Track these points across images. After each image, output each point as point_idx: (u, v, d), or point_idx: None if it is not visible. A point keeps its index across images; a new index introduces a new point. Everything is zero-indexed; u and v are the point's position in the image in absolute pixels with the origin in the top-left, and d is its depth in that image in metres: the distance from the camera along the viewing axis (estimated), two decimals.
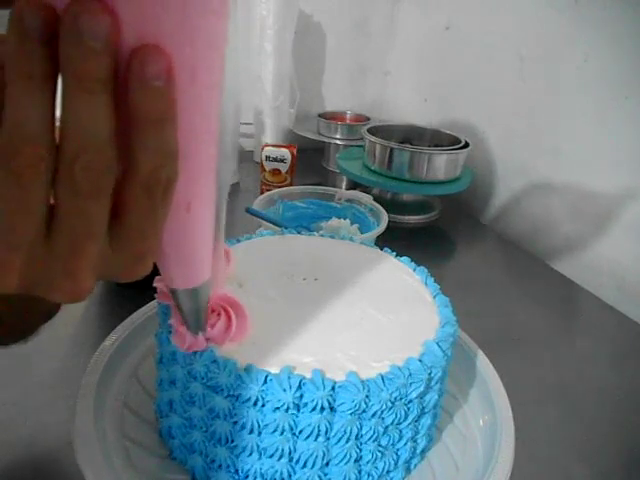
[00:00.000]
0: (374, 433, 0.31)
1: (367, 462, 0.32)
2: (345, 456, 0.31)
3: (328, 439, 0.30)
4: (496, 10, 0.94)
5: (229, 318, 0.30)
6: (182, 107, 0.17)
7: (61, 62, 0.15)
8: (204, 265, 0.22)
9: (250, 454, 0.31)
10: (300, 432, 0.30)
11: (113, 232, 0.18)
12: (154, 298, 0.37)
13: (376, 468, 0.33)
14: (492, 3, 0.95)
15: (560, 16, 0.80)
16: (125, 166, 0.17)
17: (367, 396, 0.29)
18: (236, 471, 0.32)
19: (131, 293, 0.60)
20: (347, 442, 0.30)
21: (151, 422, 0.38)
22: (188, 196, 0.19)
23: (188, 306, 0.24)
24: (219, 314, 0.30)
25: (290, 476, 0.31)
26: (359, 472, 0.32)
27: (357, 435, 0.30)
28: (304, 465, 0.31)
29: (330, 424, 0.30)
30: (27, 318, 0.34)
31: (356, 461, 0.32)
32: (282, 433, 0.30)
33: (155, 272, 0.25)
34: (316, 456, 0.30)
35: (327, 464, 0.31)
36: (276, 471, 0.31)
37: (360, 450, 0.31)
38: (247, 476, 0.32)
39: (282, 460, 0.31)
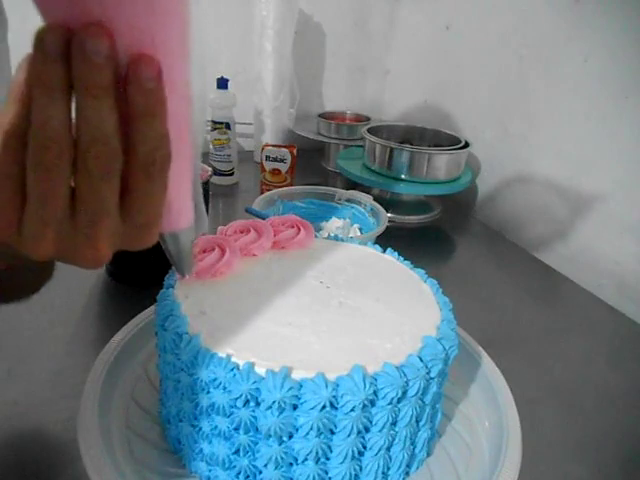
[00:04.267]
0: (383, 427, 0.31)
1: (367, 462, 0.32)
2: (346, 454, 0.31)
3: (328, 437, 0.30)
4: (496, 10, 0.94)
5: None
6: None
7: (73, 75, 0.19)
8: (183, 212, 0.26)
9: (237, 451, 0.31)
10: (297, 430, 0.30)
11: (123, 208, 0.23)
12: (153, 297, 0.37)
13: (377, 467, 0.33)
14: (492, 3, 0.95)
15: (560, 16, 0.80)
16: (127, 153, 0.21)
17: (375, 392, 0.29)
18: (230, 467, 0.32)
19: (130, 294, 0.60)
20: (348, 437, 0.30)
21: (155, 415, 0.38)
22: None
23: (173, 248, 0.28)
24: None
25: (289, 475, 0.31)
26: (360, 469, 0.32)
27: (359, 432, 0.31)
28: (303, 462, 0.31)
29: (332, 422, 0.30)
30: (22, 277, 0.37)
31: (356, 459, 0.32)
32: (279, 433, 0.30)
33: (153, 274, 0.27)
34: (315, 453, 0.30)
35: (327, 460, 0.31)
36: (273, 468, 0.31)
37: (364, 447, 0.31)
38: (239, 472, 0.32)
39: (280, 459, 0.31)
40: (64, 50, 0.19)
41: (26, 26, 0.22)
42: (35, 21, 0.19)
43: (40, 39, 0.18)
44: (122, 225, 0.23)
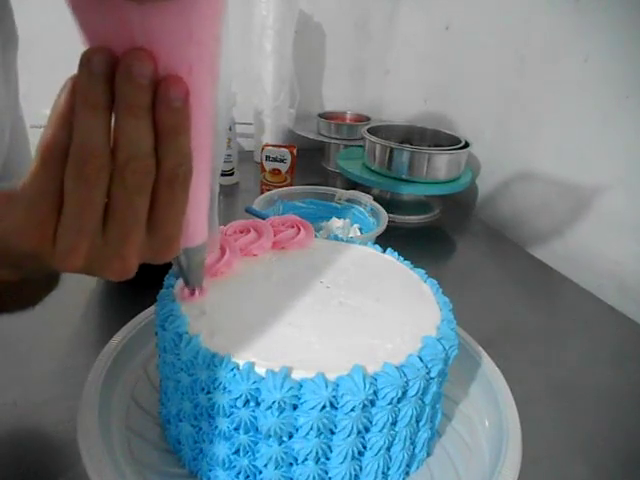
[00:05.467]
0: (383, 427, 0.31)
1: (367, 462, 0.32)
2: (346, 454, 0.31)
3: (328, 437, 0.30)
4: (496, 10, 0.94)
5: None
6: None
7: (116, 95, 0.20)
8: (198, 229, 0.27)
9: (237, 451, 0.31)
10: (297, 430, 0.30)
11: (148, 221, 0.24)
12: (153, 297, 0.37)
13: (377, 467, 0.33)
14: (492, 3, 0.95)
15: (560, 16, 0.80)
16: None
17: (375, 392, 0.29)
18: (229, 467, 0.32)
19: (130, 294, 0.60)
20: (349, 437, 0.30)
21: (155, 415, 0.38)
22: None
23: (185, 264, 0.29)
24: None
25: (289, 475, 0.31)
26: (360, 469, 0.32)
27: (359, 432, 0.30)
28: (303, 462, 0.31)
29: (332, 422, 0.30)
30: (29, 288, 0.38)
31: (357, 459, 0.32)
32: (279, 433, 0.30)
33: (153, 274, 0.30)
34: (315, 453, 0.30)
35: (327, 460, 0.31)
36: (273, 468, 0.31)
37: (364, 447, 0.31)
38: (239, 472, 0.32)
39: (280, 459, 0.31)
40: (109, 71, 0.20)
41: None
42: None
43: (87, 59, 0.20)
44: (147, 238, 0.24)
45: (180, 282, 0.36)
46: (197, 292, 0.34)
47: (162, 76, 0.21)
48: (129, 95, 0.20)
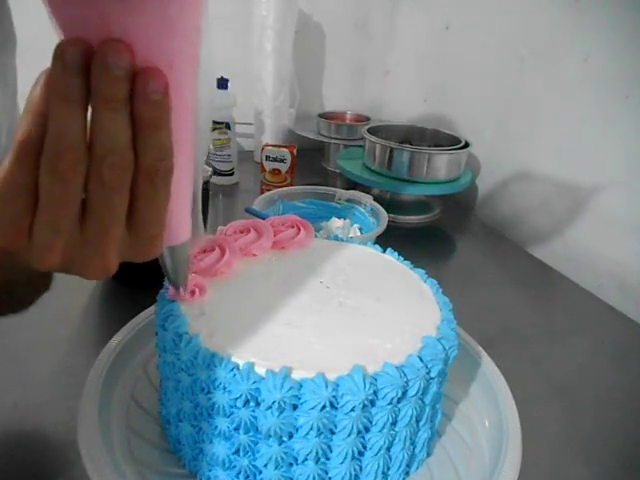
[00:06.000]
0: (383, 427, 0.31)
1: (367, 462, 0.32)
2: (346, 454, 0.31)
3: (328, 437, 0.30)
4: (496, 10, 0.94)
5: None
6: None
7: (92, 88, 0.20)
8: (181, 226, 0.26)
9: (237, 451, 0.31)
10: (297, 430, 0.30)
11: (129, 219, 0.23)
12: (153, 297, 0.37)
13: (377, 467, 0.33)
14: (492, 3, 0.95)
15: (560, 16, 0.80)
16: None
17: (375, 392, 0.29)
18: (230, 466, 0.32)
19: (130, 294, 0.60)
20: (348, 437, 0.30)
21: (156, 415, 0.38)
22: None
23: (169, 262, 0.28)
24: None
25: (289, 475, 0.31)
26: (360, 469, 0.32)
27: (359, 432, 0.30)
28: (303, 462, 0.31)
29: (332, 422, 0.30)
30: (20, 291, 0.37)
31: (357, 459, 0.32)
32: (279, 433, 0.30)
33: (153, 274, 0.29)
34: (315, 453, 0.30)
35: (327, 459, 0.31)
36: (273, 468, 0.31)
37: (364, 447, 0.31)
38: (239, 472, 0.32)
39: (280, 459, 0.31)
40: (84, 63, 0.19)
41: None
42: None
43: (61, 51, 0.19)
44: (127, 237, 0.24)
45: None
46: (182, 291, 0.33)
47: (140, 68, 0.20)
48: (105, 88, 0.20)
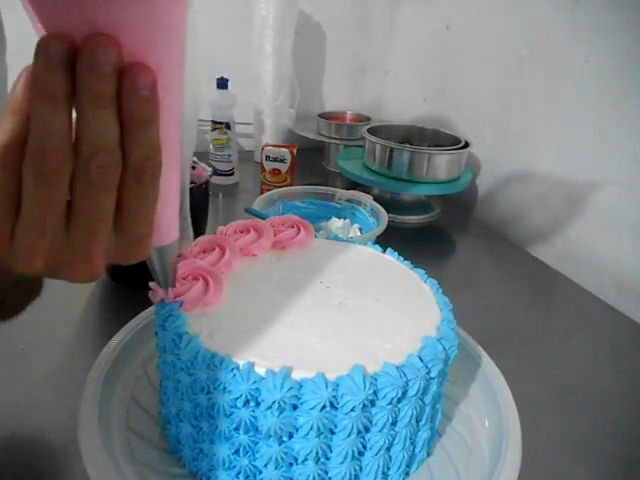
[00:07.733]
0: (383, 427, 0.31)
1: (367, 462, 0.32)
2: (346, 454, 0.31)
3: (328, 437, 0.30)
4: (496, 10, 0.94)
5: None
6: None
7: (78, 84, 0.19)
8: (169, 228, 0.26)
9: (237, 451, 0.31)
10: (297, 430, 0.30)
11: (116, 220, 0.22)
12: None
13: (377, 467, 0.33)
14: (492, 3, 0.95)
15: (560, 16, 0.80)
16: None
17: (375, 392, 0.29)
18: (230, 467, 0.32)
19: (130, 294, 0.60)
20: (348, 438, 0.30)
21: (155, 415, 0.38)
22: None
23: (157, 263, 0.28)
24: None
25: (289, 475, 0.31)
26: (360, 469, 0.32)
27: (359, 432, 0.30)
28: (303, 462, 0.31)
29: (332, 422, 0.30)
30: (9, 297, 0.37)
31: (357, 459, 0.32)
32: (279, 433, 0.30)
33: (151, 274, 0.28)
34: (315, 453, 0.30)
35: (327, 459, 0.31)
36: (273, 468, 0.31)
37: (364, 447, 0.31)
38: (239, 472, 0.32)
39: (280, 459, 0.31)
40: (68, 58, 0.18)
41: (24, 45, 0.22)
42: (33, 40, 0.19)
43: (44, 46, 0.18)
44: (115, 238, 0.23)
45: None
46: (170, 292, 0.33)
47: (127, 64, 0.19)
48: (93, 84, 0.19)
